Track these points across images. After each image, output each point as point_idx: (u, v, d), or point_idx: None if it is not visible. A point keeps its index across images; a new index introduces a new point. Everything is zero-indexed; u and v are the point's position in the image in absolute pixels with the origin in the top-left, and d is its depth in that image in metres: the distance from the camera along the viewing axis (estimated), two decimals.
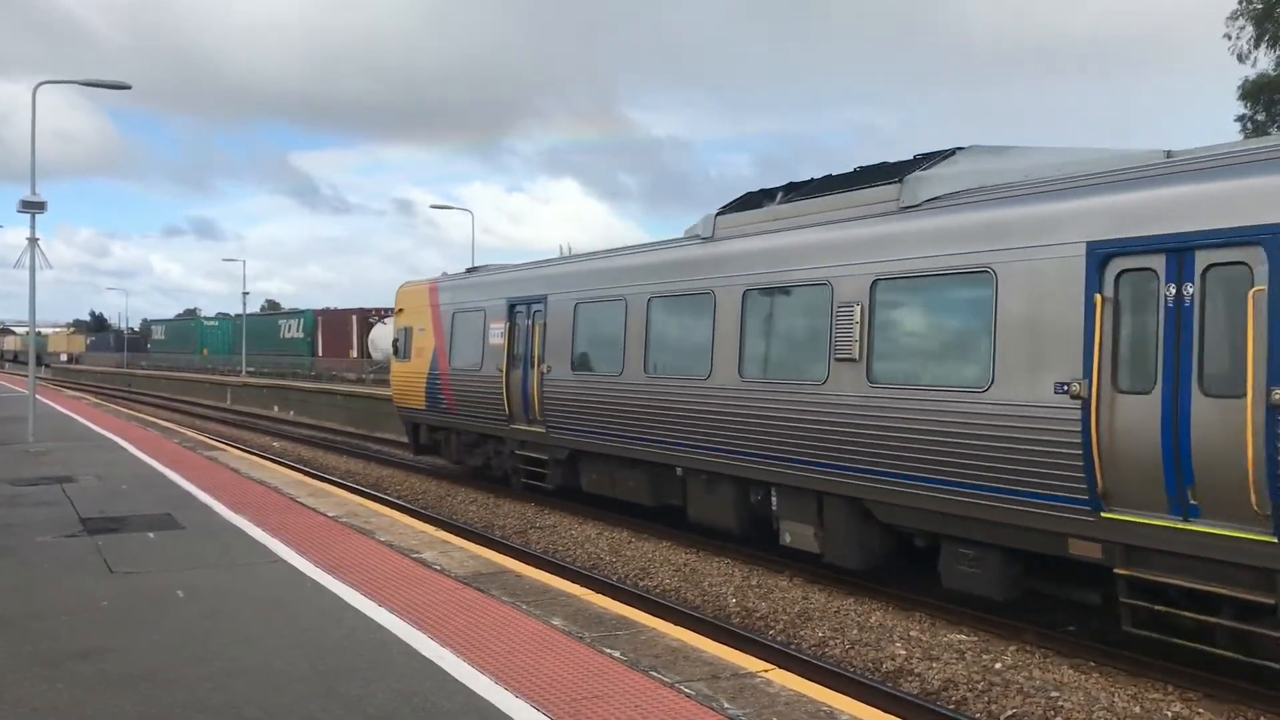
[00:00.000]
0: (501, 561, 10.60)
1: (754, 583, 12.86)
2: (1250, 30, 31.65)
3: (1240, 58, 32.02)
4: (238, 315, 77.01)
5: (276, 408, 48.98)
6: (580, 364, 16.65)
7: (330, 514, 13.20)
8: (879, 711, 6.44)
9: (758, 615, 11.62)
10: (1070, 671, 9.42)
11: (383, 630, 7.75)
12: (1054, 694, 8.83)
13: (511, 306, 18.80)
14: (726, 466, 13.43)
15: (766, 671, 6.99)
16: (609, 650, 7.30)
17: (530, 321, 18.11)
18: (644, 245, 16.42)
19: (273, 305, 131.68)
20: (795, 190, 13.54)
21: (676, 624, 8.71)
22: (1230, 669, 8.84)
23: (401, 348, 23.36)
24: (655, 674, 6.78)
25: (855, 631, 10.81)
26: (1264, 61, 32.56)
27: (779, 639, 10.76)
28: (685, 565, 13.96)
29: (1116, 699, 8.72)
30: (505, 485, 20.24)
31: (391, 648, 7.31)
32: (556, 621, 8.08)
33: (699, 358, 13.85)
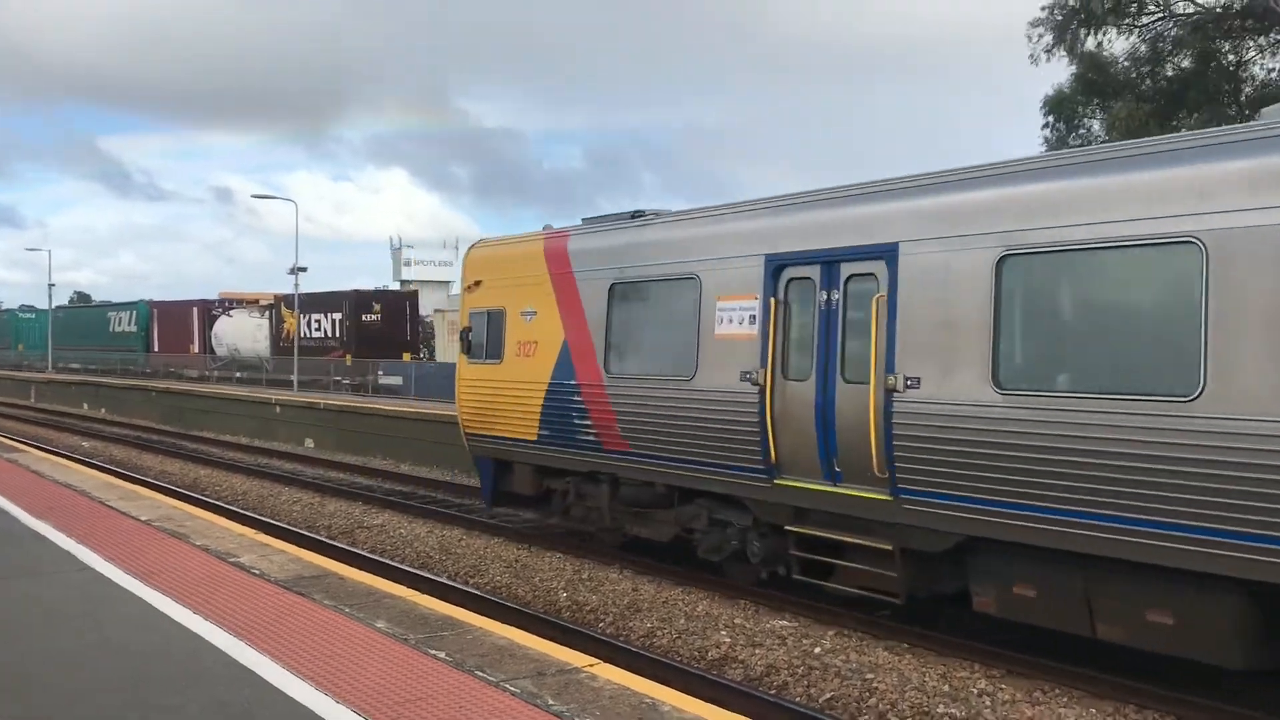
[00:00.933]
0: (324, 564, 10.39)
1: (585, 576, 12.96)
2: (1048, 39, 33.67)
3: (1034, 60, 34.02)
4: (58, 307, 73.01)
5: (86, 405, 46.62)
6: (1022, 374, 9.03)
7: (143, 518, 12.66)
8: (702, 701, 6.60)
9: (588, 608, 11.72)
10: (884, 654, 9.85)
11: (198, 638, 7.49)
12: (869, 676, 9.22)
13: (778, 269, 11.05)
14: None
15: (592, 666, 7.07)
16: (434, 651, 7.25)
17: (837, 296, 10.54)
18: None
19: (83, 297, 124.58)
20: None
21: (504, 621, 8.71)
22: (1030, 645, 9.42)
23: (480, 341, 15.34)
24: (480, 673, 6.77)
25: (682, 621, 11.03)
26: (1057, 69, 34.73)
27: (609, 631, 10.89)
28: (517, 561, 13.96)
29: (927, 678, 9.16)
30: (714, 573, 12.48)
31: (207, 656, 7.08)
32: (380, 624, 7.97)
33: None
